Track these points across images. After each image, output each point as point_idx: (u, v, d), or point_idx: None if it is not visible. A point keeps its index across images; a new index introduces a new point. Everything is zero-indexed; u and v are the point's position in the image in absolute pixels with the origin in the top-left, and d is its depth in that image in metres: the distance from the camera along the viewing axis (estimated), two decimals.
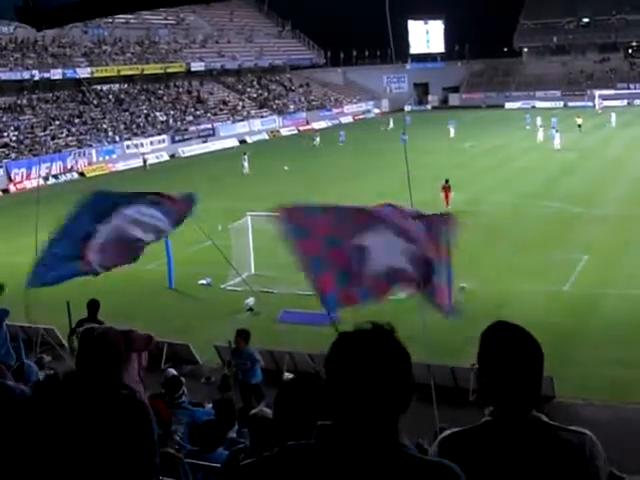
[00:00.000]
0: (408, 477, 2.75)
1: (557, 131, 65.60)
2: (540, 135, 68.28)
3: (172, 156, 74.95)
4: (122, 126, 77.16)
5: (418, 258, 9.50)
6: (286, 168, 58.38)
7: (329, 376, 2.80)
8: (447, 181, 41.06)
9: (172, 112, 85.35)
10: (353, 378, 2.73)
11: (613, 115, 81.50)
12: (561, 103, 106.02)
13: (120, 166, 69.21)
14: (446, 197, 40.46)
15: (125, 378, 3.83)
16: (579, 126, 74.92)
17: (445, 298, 9.48)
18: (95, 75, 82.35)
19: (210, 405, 13.56)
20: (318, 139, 75.01)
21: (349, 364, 2.75)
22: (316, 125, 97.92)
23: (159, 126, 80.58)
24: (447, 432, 3.63)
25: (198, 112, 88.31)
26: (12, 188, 58.86)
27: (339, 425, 2.77)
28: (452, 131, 76.83)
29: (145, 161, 69.57)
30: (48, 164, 63.88)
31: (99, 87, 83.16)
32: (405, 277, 9.59)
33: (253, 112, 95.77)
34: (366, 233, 9.50)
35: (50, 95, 76.80)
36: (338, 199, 35.99)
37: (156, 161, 71.77)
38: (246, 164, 58.99)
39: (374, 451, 2.73)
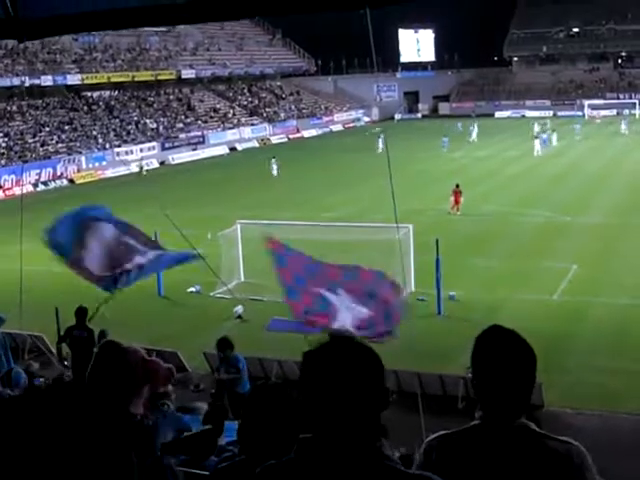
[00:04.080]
0: None
1: (536, 137, 66.91)
2: (554, 140, 71.02)
3: (162, 163, 74.88)
4: (112, 133, 77.13)
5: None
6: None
7: (305, 393, 2.78)
8: (458, 186, 41.27)
9: (162, 119, 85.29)
10: (328, 391, 2.69)
11: (624, 123, 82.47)
12: (550, 112, 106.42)
13: (110, 173, 69.12)
14: (456, 202, 40.64)
15: (131, 404, 3.78)
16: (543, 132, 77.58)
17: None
18: (85, 82, 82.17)
19: (204, 404, 13.53)
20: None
21: (322, 378, 2.73)
22: (306, 133, 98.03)
23: (149, 133, 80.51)
24: (434, 435, 3.62)
25: (188, 119, 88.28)
26: (1, 194, 58.68)
27: (319, 439, 2.75)
28: (474, 135, 77.96)
29: (142, 167, 69.76)
30: (37, 170, 63.81)
31: (89, 94, 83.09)
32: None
33: (243, 120, 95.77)
34: (331, 291, 10.53)
35: (40, 102, 76.70)
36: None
37: (145, 168, 71.66)
38: (275, 166, 60.67)
39: (356, 464, 2.71)
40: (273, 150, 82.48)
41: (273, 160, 61.19)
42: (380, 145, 69.10)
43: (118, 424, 3.47)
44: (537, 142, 66.16)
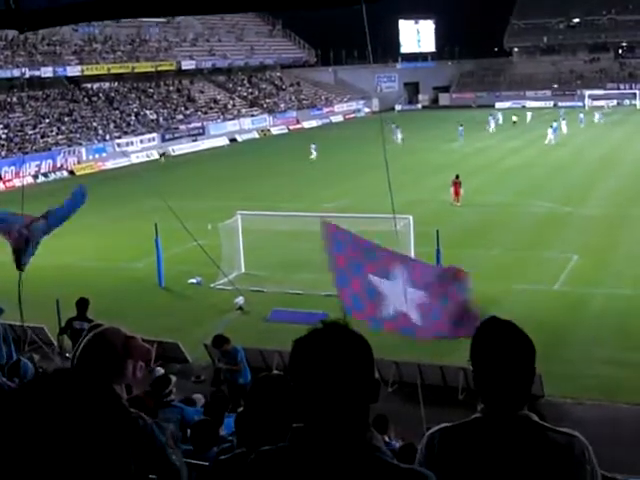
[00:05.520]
0: None
1: (551, 127, 67.35)
2: (564, 128, 72.26)
3: (163, 155, 74.73)
4: (112, 124, 77.03)
5: (424, 305, 10.30)
6: None
7: (295, 381, 2.79)
8: (457, 177, 41.08)
9: (162, 111, 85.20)
10: (317, 379, 2.70)
11: (597, 114, 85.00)
12: (551, 103, 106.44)
13: (110, 164, 69.08)
14: (456, 193, 40.45)
15: (116, 383, 3.81)
16: (514, 123, 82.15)
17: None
18: (85, 73, 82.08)
19: (199, 396, 13.55)
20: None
21: (311, 366, 2.73)
22: (306, 124, 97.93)
23: (149, 124, 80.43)
24: (435, 427, 3.62)
25: (188, 111, 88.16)
26: (1, 186, 58.63)
27: (311, 428, 2.76)
28: (492, 126, 78.98)
29: (162, 154, 72.30)
30: (37, 162, 63.78)
31: (89, 85, 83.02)
32: (409, 321, 10.40)
33: (243, 111, 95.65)
34: (383, 277, 10.45)
35: (40, 93, 76.62)
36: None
37: (146, 159, 71.75)
38: (314, 152, 62.92)
39: (346, 454, 2.71)
40: (272, 141, 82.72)
41: (313, 146, 62.88)
42: (399, 136, 69.43)
43: (103, 403, 3.51)
44: (550, 131, 67.00)
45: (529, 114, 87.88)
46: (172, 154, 73.34)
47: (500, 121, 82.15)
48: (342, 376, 2.71)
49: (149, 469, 3.50)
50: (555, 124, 69.82)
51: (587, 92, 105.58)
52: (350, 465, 2.71)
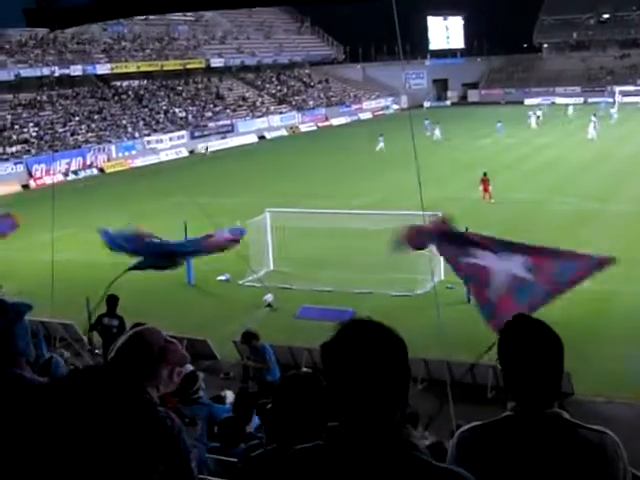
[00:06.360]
0: None
1: (592, 122, 66.89)
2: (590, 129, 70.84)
3: (191, 152, 75.08)
4: (141, 122, 77.42)
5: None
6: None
7: (328, 379, 2.79)
8: (485, 174, 41.02)
9: (191, 108, 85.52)
10: (352, 376, 2.70)
11: (616, 106, 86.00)
12: (581, 99, 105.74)
13: (139, 162, 69.46)
14: (485, 190, 40.46)
15: (149, 384, 3.81)
16: (538, 117, 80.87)
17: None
18: (115, 71, 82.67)
19: (229, 393, 13.59)
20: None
21: (344, 363, 2.73)
22: (335, 121, 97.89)
23: (178, 122, 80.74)
24: (466, 426, 3.60)
25: (217, 108, 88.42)
26: (32, 184, 59.12)
27: (346, 426, 2.75)
28: (533, 121, 78.95)
29: (207, 148, 73.67)
30: (68, 160, 64.21)
31: (119, 83, 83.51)
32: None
33: (272, 108, 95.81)
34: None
35: (70, 91, 77.15)
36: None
37: (175, 157, 72.09)
38: (382, 144, 63.55)
39: (383, 452, 2.71)
40: (301, 138, 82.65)
41: (381, 138, 63.54)
42: (436, 132, 69.45)
43: (131, 400, 3.52)
44: (591, 127, 66.50)
45: (570, 108, 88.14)
46: (202, 151, 73.55)
47: (541, 117, 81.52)
48: (377, 372, 2.70)
49: (170, 472, 3.49)
50: (594, 119, 69.32)
51: (617, 88, 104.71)
52: (388, 463, 2.70)
